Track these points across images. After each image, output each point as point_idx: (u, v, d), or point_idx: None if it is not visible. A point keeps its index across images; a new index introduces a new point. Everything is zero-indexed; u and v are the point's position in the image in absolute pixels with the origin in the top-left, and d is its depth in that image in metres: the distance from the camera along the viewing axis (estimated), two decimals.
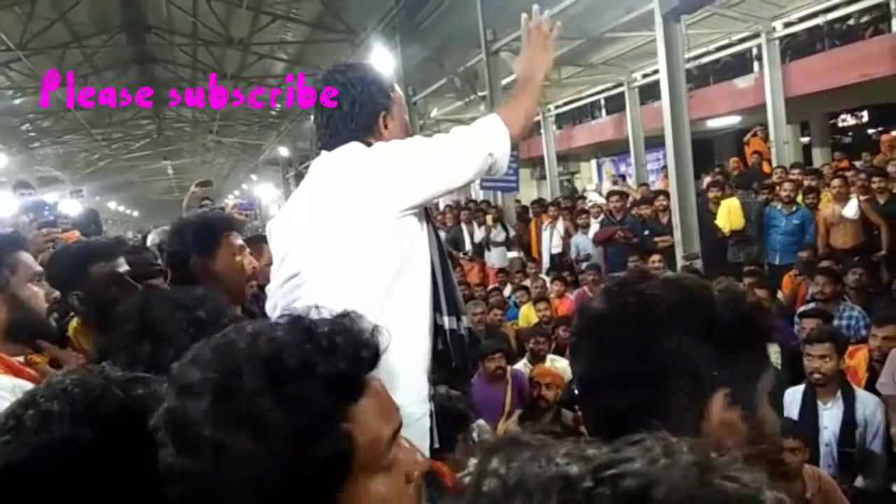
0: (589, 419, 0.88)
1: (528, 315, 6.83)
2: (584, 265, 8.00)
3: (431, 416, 1.74)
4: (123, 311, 1.35)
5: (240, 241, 2.18)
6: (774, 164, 10.12)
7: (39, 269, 1.73)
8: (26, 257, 1.69)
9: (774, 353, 4.32)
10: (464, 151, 1.78)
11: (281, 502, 0.77)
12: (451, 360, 1.80)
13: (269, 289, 1.91)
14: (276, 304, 1.83)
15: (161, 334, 1.28)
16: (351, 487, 0.79)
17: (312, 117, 1.95)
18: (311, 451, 0.78)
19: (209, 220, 2.23)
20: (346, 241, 1.72)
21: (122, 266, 2.15)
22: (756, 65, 11.40)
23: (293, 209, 1.92)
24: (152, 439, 0.87)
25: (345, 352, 0.81)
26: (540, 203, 10.87)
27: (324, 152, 1.89)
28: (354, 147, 1.82)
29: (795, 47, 11.12)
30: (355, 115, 1.85)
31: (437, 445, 1.77)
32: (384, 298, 1.65)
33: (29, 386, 1.47)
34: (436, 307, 1.79)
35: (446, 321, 1.80)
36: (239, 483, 0.75)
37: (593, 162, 18.51)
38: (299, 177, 23.28)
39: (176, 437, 0.76)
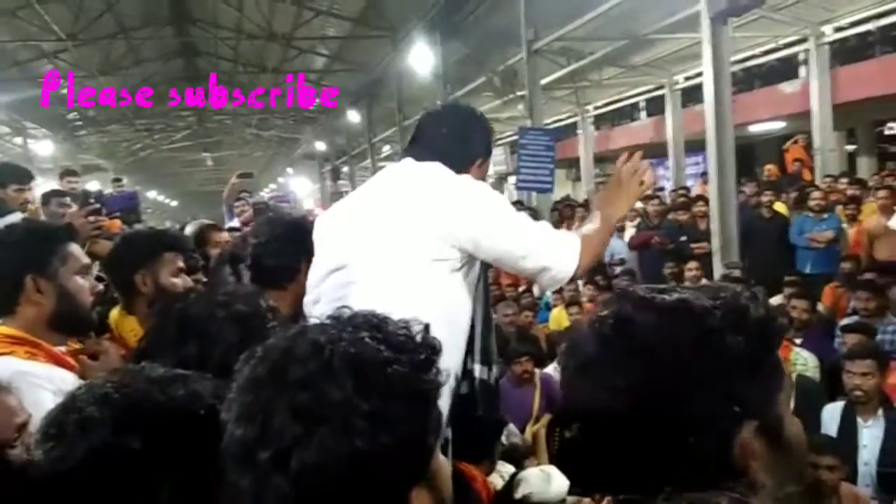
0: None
1: (560, 318, 6.78)
2: (617, 269, 7.90)
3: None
4: (161, 313, 1.35)
5: None
6: (818, 171, 9.90)
7: (87, 261, 1.76)
8: (76, 249, 1.72)
9: (813, 367, 4.22)
10: (535, 247, 1.79)
11: (400, 479, 0.75)
12: (476, 406, 1.84)
13: (309, 283, 1.92)
14: (319, 297, 1.84)
15: (205, 333, 1.28)
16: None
17: (420, 131, 1.96)
18: (427, 439, 0.78)
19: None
20: (407, 261, 1.74)
21: (182, 262, 2.18)
22: (802, 70, 11.14)
23: (354, 207, 1.93)
24: (194, 440, 0.88)
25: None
26: (569, 205, 10.76)
27: (409, 159, 1.91)
28: (442, 170, 1.84)
29: (844, 53, 10.84)
30: (459, 149, 1.89)
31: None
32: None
33: (70, 376, 1.50)
34: (469, 352, 1.82)
35: (477, 368, 1.83)
36: (392, 450, 0.72)
37: None
38: (335, 171, 23.51)
39: (324, 422, 0.72)
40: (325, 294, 1.83)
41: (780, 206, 7.91)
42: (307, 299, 1.92)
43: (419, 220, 1.74)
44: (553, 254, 1.80)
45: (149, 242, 2.14)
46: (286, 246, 2.09)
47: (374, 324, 0.80)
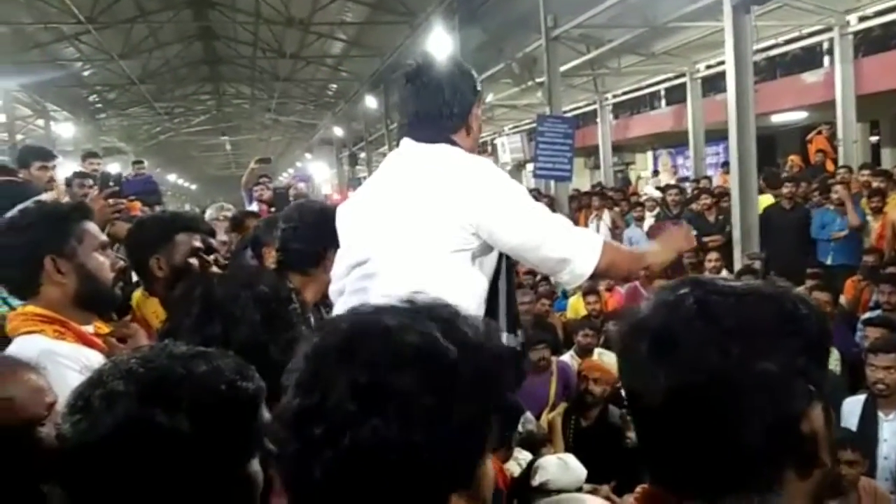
0: (649, 438, 0.81)
1: (577, 307, 6.76)
2: None
3: None
4: (185, 294, 1.36)
5: None
6: (841, 163, 9.75)
7: (105, 238, 1.78)
8: (92, 227, 1.74)
9: (834, 360, 4.18)
10: (555, 236, 1.77)
11: (441, 481, 0.74)
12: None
13: (334, 274, 1.92)
14: (344, 289, 1.85)
15: (229, 313, 1.30)
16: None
17: (403, 100, 1.90)
18: (482, 445, 0.77)
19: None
20: (427, 251, 1.73)
21: (199, 242, 2.20)
22: (826, 59, 10.96)
23: (372, 197, 1.92)
24: (215, 414, 0.90)
25: None
26: (587, 194, 10.68)
27: (410, 141, 1.88)
28: (452, 153, 1.81)
29: (869, 43, 10.65)
30: (451, 107, 1.84)
31: None
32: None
33: (96, 356, 1.52)
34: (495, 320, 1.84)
35: (504, 337, 1.83)
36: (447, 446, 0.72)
37: (649, 153, 18.14)
38: (352, 157, 23.52)
39: (384, 407, 0.71)
40: (349, 285, 1.84)
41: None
42: (333, 288, 1.93)
43: (438, 211, 1.73)
44: (574, 246, 1.77)
45: (161, 226, 2.14)
46: (314, 232, 2.09)
47: (446, 318, 0.79)
